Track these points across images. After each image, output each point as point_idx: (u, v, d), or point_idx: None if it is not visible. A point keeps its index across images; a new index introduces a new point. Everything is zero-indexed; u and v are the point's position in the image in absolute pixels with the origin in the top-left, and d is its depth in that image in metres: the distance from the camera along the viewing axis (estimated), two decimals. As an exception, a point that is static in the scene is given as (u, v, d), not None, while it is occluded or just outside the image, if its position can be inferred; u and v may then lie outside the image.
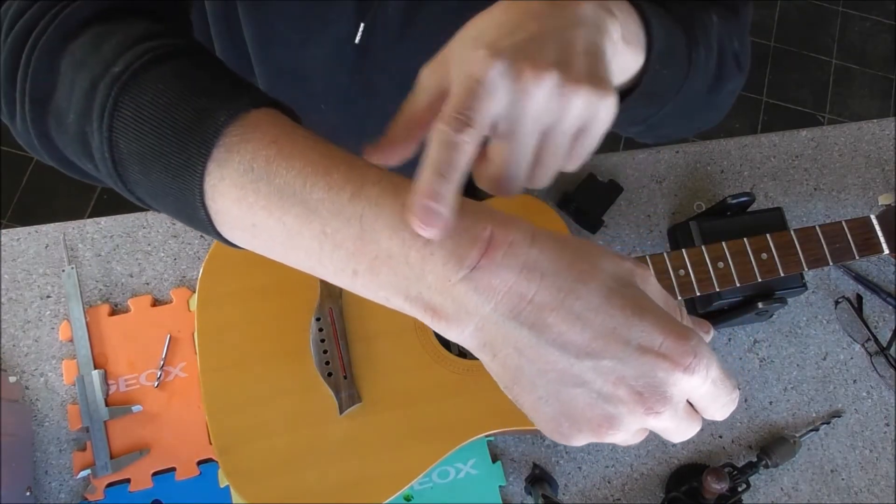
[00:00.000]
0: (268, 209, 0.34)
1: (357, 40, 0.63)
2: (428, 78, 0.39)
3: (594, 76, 0.35)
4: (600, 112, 0.36)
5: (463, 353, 0.85)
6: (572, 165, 0.40)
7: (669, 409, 0.33)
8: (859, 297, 0.93)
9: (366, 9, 0.61)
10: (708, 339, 0.36)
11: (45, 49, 0.37)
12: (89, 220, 0.90)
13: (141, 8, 0.40)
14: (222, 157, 0.33)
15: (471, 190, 0.36)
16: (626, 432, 0.34)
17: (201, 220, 0.36)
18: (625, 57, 0.43)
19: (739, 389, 0.31)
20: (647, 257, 0.76)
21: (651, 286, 0.34)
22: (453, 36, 0.39)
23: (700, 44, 0.53)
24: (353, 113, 0.73)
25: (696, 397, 0.34)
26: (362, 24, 0.62)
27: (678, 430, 0.35)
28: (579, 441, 0.34)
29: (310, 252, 0.35)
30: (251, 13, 0.62)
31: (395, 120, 0.40)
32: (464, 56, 0.35)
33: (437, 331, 0.34)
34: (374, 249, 0.33)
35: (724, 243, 0.75)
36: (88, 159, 0.38)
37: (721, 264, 0.75)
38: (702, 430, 0.86)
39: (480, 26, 0.37)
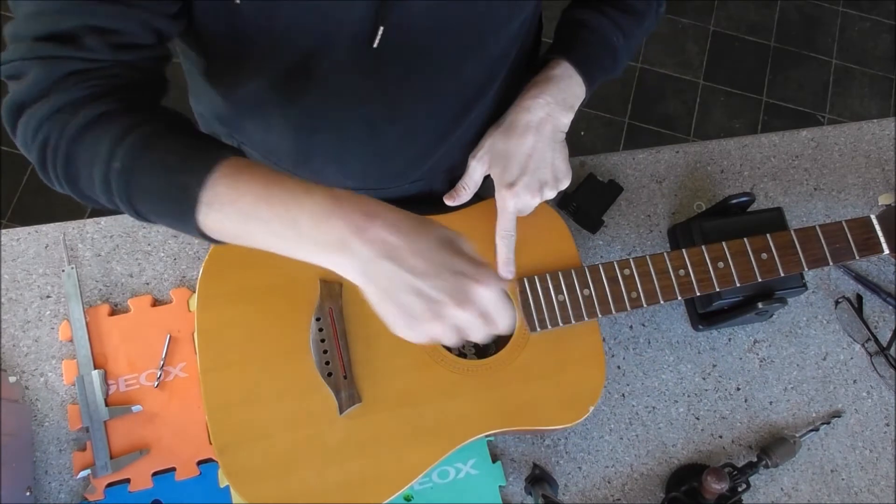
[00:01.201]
0: (237, 226, 0.54)
1: (376, 44, 0.64)
2: (476, 170, 0.78)
3: (559, 181, 0.76)
4: (560, 189, 0.77)
5: (463, 353, 0.85)
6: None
7: (472, 308, 0.54)
8: (859, 297, 0.93)
9: (386, 13, 0.61)
10: (506, 275, 0.67)
11: (62, 155, 0.56)
12: (89, 220, 0.90)
13: (114, 108, 0.56)
14: (204, 208, 0.53)
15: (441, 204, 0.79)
16: (446, 326, 0.54)
17: (200, 238, 0.56)
18: (575, 110, 0.76)
19: (515, 311, 0.59)
20: (648, 257, 0.76)
21: (466, 244, 0.55)
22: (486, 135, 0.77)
23: (616, 41, 0.77)
24: (369, 115, 0.74)
25: (488, 304, 0.54)
26: (381, 28, 0.62)
27: (475, 327, 0.55)
28: (418, 334, 0.55)
29: (265, 243, 0.55)
30: (262, 15, 0.61)
31: (459, 192, 0.79)
32: (499, 178, 0.75)
33: (337, 273, 0.54)
34: (300, 231, 0.53)
35: (724, 243, 0.75)
36: (118, 209, 0.58)
37: (721, 264, 0.75)
38: (702, 430, 0.86)
39: (502, 151, 0.75)
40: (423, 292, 0.52)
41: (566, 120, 0.75)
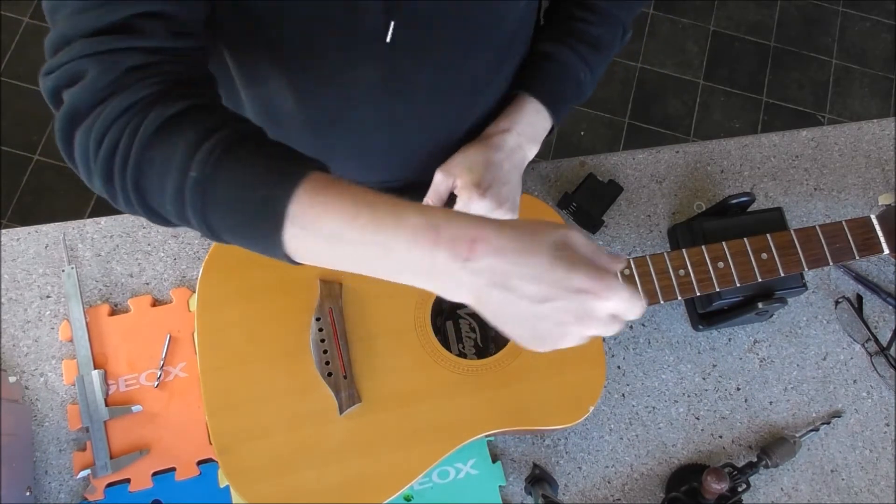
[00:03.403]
0: (322, 247, 0.50)
1: (388, 39, 0.64)
2: (441, 183, 0.76)
3: (513, 209, 0.75)
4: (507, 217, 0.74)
5: (463, 353, 0.85)
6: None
7: (597, 323, 0.50)
8: (859, 297, 0.93)
9: (395, 7, 0.62)
10: (621, 266, 0.52)
11: (133, 163, 0.50)
12: (89, 220, 0.90)
13: (183, 108, 0.51)
14: (289, 226, 0.48)
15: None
16: (575, 339, 0.51)
17: (279, 258, 0.51)
18: (540, 143, 0.79)
19: (643, 301, 0.51)
20: (648, 257, 0.76)
21: (579, 241, 0.50)
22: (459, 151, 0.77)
23: (584, 77, 0.79)
24: (386, 109, 0.74)
25: (615, 310, 0.51)
26: (392, 23, 0.63)
27: (607, 329, 0.51)
28: (546, 349, 0.52)
29: (352, 266, 0.50)
30: (274, 16, 0.61)
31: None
32: (467, 180, 0.74)
33: (442, 296, 0.50)
34: (396, 257, 0.48)
35: (724, 243, 0.75)
36: (188, 225, 0.52)
37: (721, 264, 0.75)
38: (702, 430, 0.86)
39: (477, 161, 0.75)
40: (543, 316, 0.49)
41: (532, 153, 0.79)
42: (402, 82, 0.71)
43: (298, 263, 0.52)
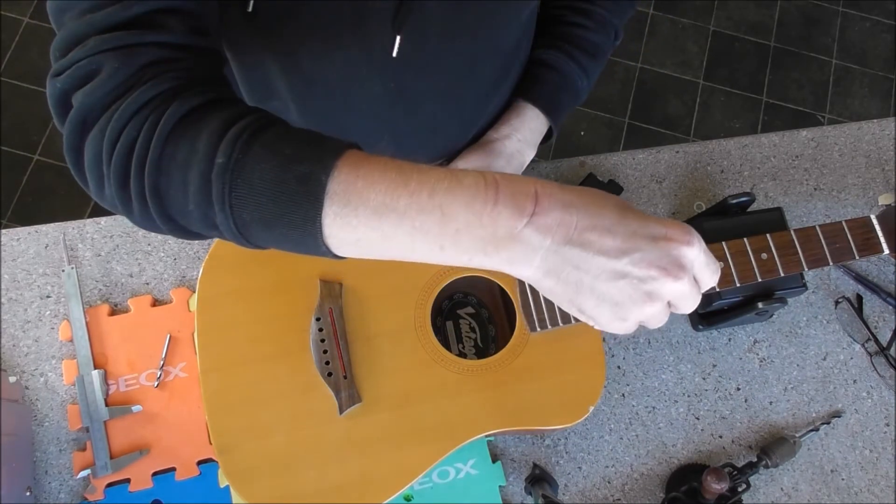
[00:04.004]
0: (368, 225, 0.43)
1: (394, 53, 0.63)
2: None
3: None
4: None
5: (463, 353, 0.85)
6: None
7: (687, 275, 0.45)
8: (859, 297, 0.93)
9: (402, 22, 0.61)
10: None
11: (151, 160, 0.45)
12: (89, 220, 0.90)
13: (203, 101, 0.47)
14: (330, 204, 0.43)
15: None
16: (661, 303, 0.46)
17: (318, 250, 0.45)
18: (537, 145, 0.81)
19: (720, 265, 0.49)
20: (647, 257, 0.76)
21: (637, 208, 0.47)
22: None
23: (581, 84, 0.80)
24: (390, 122, 0.74)
25: (698, 265, 0.46)
26: (398, 37, 0.62)
27: (691, 294, 0.47)
28: (633, 322, 0.47)
29: (403, 245, 0.44)
30: (280, 28, 0.60)
31: None
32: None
33: (509, 273, 0.45)
34: (455, 225, 0.43)
35: (724, 243, 0.75)
36: (212, 230, 0.47)
37: (721, 264, 0.75)
38: (702, 430, 0.86)
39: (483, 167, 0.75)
40: (626, 273, 0.44)
41: (530, 157, 0.80)
42: (409, 94, 0.70)
43: (340, 258, 0.47)
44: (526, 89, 0.79)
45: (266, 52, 0.64)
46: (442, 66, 0.69)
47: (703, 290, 0.49)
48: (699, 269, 0.47)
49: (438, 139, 0.80)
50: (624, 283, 0.45)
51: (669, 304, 0.48)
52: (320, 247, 0.45)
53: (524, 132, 0.78)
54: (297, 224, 0.44)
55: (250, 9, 0.58)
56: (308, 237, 0.44)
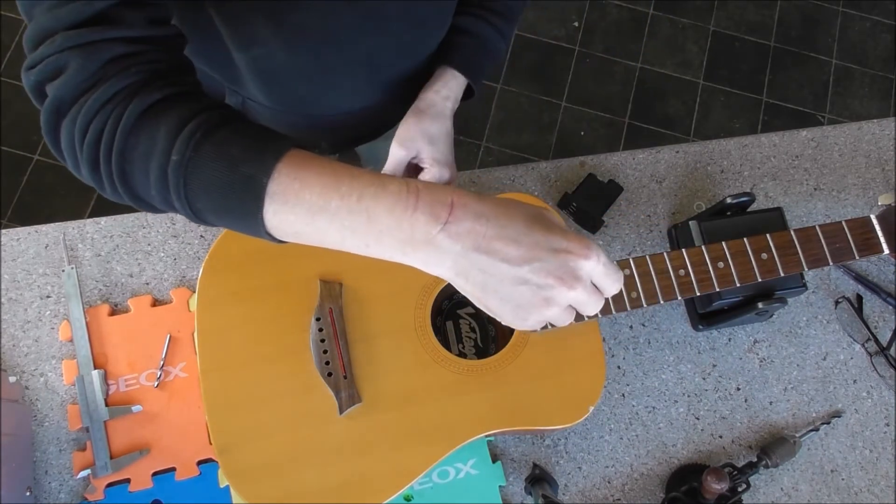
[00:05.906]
0: (304, 221, 0.50)
1: None
2: (396, 155, 0.79)
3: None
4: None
5: (463, 353, 0.85)
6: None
7: (581, 284, 0.51)
8: (859, 297, 0.93)
9: None
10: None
11: (117, 150, 0.52)
12: (89, 220, 0.90)
13: (162, 96, 0.52)
14: (270, 203, 0.50)
15: None
16: (559, 307, 0.52)
17: (262, 237, 0.52)
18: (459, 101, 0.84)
19: (623, 273, 0.54)
20: (647, 257, 0.76)
21: (554, 217, 0.52)
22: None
23: (498, 45, 0.85)
24: (366, 44, 0.76)
25: (596, 276, 0.52)
26: None
27: (590, 301, 0.52)
28: (533, 321, 0.52)
29: (335, 240, 0.51)
30: None
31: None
32: (435, 156, 0.80)
33: (424, 270, 0.51)
34: (378, 227, 0.49)
35: (724, 243, 0.75)
36: (172, 210, 0.54)
37: (721, 264, 0.75)
38: (702, 430, 0.86)
39: (432, 134, 0.80)
40: (526, 280, 0.50)
41: (451, 112, 0.85)
42: (371, 15, 0.72)
43: (282, 242, 0.53)
44: (448, 57, 0.84)
45: (253, 3, 0.65)
46: None
47: (607, 296, 0.54)
48: (599, 278, 0.52)
49: (406, 58, 0.84)
50: (524, 288, 0.50)
51: (573, 308, 0.54)
52: (264, 236, 0.52)
53: (456, 94, 0.83)
54: (243, 216, 0.51)
55: None
56: (252, 227, 0.51)
